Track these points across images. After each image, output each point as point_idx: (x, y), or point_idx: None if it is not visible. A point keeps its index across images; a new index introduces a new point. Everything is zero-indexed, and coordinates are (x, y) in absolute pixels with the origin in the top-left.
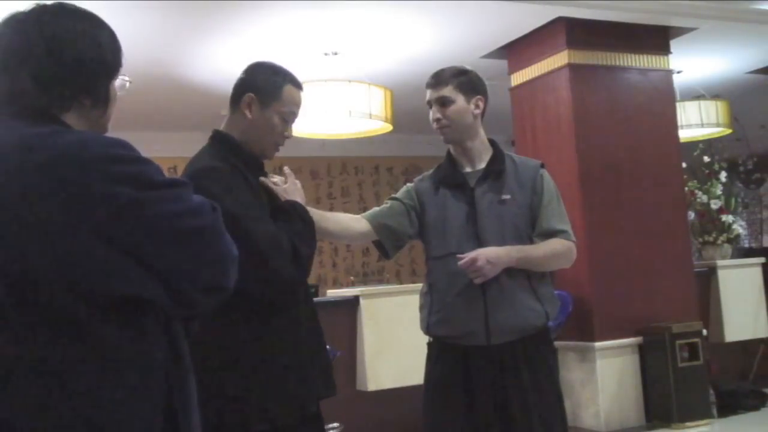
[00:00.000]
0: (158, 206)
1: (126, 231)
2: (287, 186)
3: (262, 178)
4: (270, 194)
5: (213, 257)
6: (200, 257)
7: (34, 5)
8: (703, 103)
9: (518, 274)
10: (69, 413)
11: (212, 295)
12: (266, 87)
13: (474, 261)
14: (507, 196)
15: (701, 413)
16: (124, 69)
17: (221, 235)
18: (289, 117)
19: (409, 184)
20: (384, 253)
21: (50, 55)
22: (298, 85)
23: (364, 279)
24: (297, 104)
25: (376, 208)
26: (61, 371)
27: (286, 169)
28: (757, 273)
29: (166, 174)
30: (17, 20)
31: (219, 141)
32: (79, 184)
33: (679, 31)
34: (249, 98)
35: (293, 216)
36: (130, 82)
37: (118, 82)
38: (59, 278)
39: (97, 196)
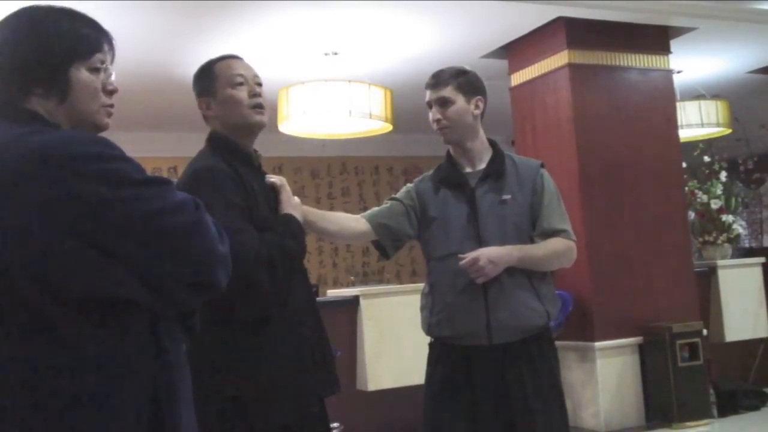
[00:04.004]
0: (133, 205)
1: (100, 230)
2: (287, 198)
3: (270, 180)
4: (274, 194)
5: (194, 256)
6: (180, 256)
7: None
8: (703, 103)
9: (519, 273)
10: (44, 415)
11: (198, 293)
12: (202, 82)
13: (475, 261)
14: (507, 197)
15: (701, 413)
16: (126, 68)
17: (204, 233)
18: (240, 81)
19: (409, 185)
20: (383, 253)
21: None
22: (226, 57)
23: (365, 279)
24: (237, 69)
25: (376, 208)
26: (36, 372)
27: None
28: (757, 273)
29: (165, 173)
30: None
31: (214, 141)
32: (51, 183)
33: (679, 31)
34: (201, 103)
35: (284, 230)
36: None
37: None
38: (32, 277)
39: (70, 195)
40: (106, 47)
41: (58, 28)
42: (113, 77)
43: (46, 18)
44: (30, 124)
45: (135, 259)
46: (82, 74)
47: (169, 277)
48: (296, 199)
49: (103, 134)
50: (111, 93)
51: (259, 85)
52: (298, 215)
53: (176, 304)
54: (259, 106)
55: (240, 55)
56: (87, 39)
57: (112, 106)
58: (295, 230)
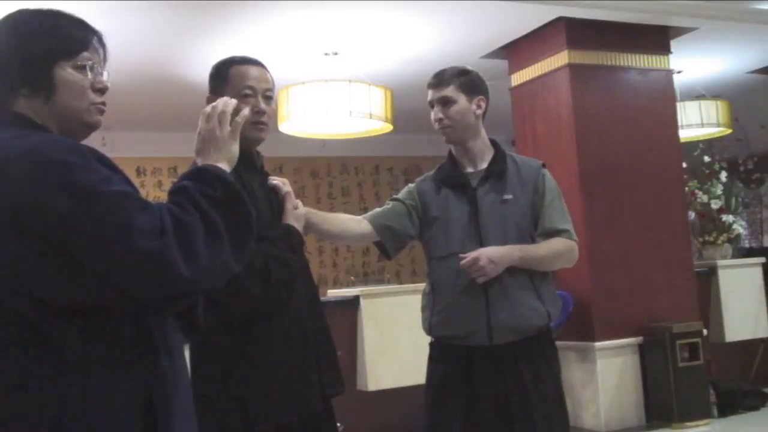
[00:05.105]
0: (91, 219)
1: (63, 241)
2: (291, 208)
3: (273, 182)
4: (276, 196)
5: (161, 281)
6: (148, 278)
7: None
8: (703, 103)
9: (520, 273)
10: (31, 422)
11: (179, 300)
12: (215, 81)
13: (476, 260)
14: (509, 196)
15: (701, 413)
16: (126, 68)
17: (164, 266)
18: (248, 93)
19: (410, 185)
20: (385, 254)
21: None
22: (245, 62)
23: (365, 279)
24: (250, 78)
25: (378, 209)
26: (23, 377)
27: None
28: (757, 273)
29: (165, 173)
30: None
31: None
32: (19, 193)
33: (679, 31)
34: (208, 99)
35: (282, 240)
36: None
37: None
38: (10, 285)
39: (34, 206)
40: (94, 46)
41: (40, 28)
42: (105, 75)
43: (29, 19)
44: (15, 127)
45: (103, 272)
46: (66, 73)
47: (138, 291)
48: (300, 208)
49: (104, 135)
50: (101, 91)
51: (269, 98)
52: (299, 227)
53: (155, 310)
54: (260, 123)
55: (258, 59)
56: (72, 38)
57: (103, 104)
58: (294, 243)
